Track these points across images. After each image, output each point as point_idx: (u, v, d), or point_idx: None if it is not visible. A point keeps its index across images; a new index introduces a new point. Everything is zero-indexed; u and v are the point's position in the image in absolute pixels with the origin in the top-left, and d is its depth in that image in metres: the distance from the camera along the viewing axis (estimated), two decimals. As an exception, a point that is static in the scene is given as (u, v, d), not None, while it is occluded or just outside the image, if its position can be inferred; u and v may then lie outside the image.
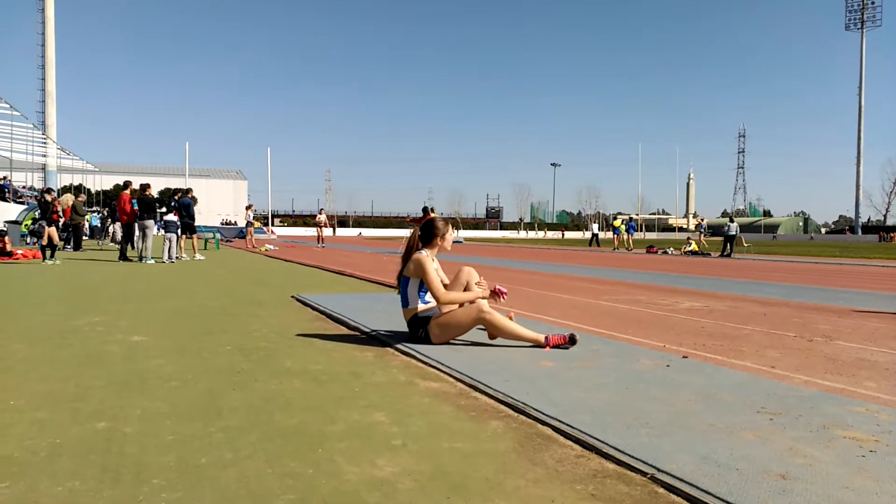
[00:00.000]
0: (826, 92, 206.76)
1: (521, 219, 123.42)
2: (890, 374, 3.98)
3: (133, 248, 17.45)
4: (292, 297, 7.93)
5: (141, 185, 16.05)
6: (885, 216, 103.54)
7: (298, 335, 5.20)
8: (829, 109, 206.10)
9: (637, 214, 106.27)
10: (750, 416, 2.97)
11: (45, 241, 14.47)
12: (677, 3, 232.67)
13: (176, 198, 17.87)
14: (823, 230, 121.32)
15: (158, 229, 17.24)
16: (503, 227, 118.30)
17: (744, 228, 34.63)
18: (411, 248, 4.90)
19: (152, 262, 15.08)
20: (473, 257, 19.96)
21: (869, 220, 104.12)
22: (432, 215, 5.42)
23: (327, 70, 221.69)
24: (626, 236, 33.65)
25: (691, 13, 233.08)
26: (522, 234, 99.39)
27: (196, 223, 18.53)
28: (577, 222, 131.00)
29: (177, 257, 16.15)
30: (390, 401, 3.24)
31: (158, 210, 16.86)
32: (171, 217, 16.22)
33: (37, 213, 24.19)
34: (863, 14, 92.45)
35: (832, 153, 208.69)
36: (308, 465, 2.35)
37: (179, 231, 16.58)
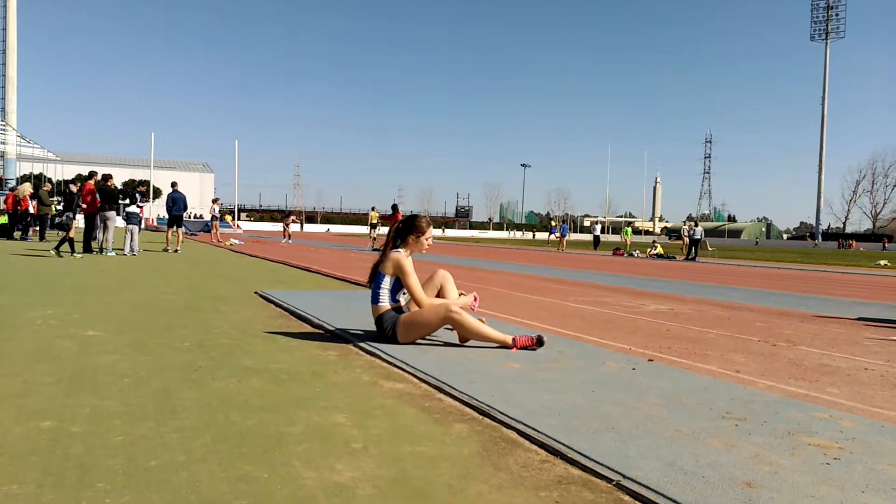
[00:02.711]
0: (791, 100, 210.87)
1: (490, 218, 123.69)
2: (852, 380, 4.01)
3: (95, 239, 17.08)
4: (256, 293, 7.77)
5: (103, 175, 15.68)
6: (844, 224, 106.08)
7: (260, 332, 5.08)
8: (794, 118, 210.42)
9: (604, 217, 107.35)
10: (715, 421, 2.95)
11: (72, 234, 14.06)
12: (647, 7, 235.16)
13: (141, 190, 17.57)
14: (785, 236, 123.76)
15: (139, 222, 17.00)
16: (472, 226, 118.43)
17: (708, 233, 35.33)
18: (390, 241, 4.80)
19: (113, 254, 14.74)
20: (443, 256, 19.90)
21: (829, 227, 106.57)
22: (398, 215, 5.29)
23: (298, 63, 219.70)
24: (559, 237, 35.33)
25: (659, 19, 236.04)
26: (512, 234, 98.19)
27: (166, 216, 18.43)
28: (546, 223, 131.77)
29: (139, 249, 15.81)
30: (352, 402, 3.15)
31: (121, 202, 16.58)
32: (134, 209, 15.86)
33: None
34: (827, 25, 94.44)
35: (795, 161, 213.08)
36: (263, 468, 2.25)
37: (167, 223, 16.60)
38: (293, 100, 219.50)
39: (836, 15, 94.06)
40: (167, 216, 18.44)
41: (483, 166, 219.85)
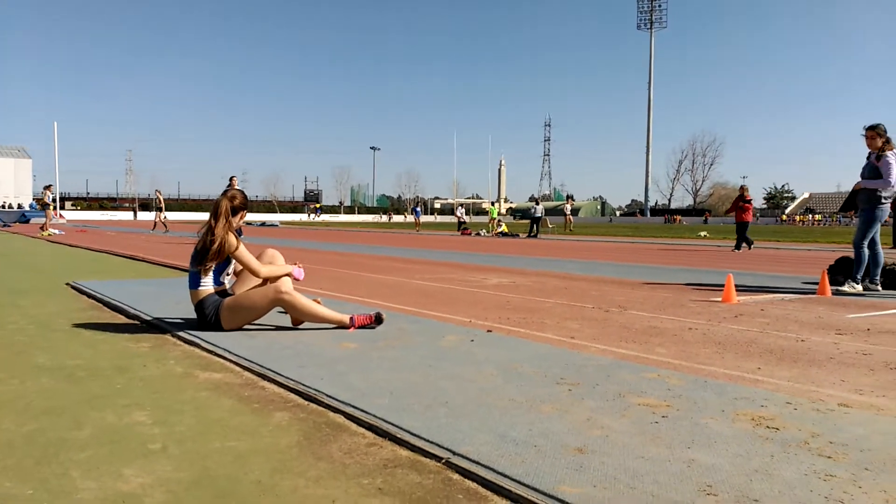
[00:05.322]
0: (621, 86, 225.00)
1: (341, 202, 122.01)
2: (678, 340, 4.16)
3: None
4: (67, 284, 6.96)
5: None
6: (669, 200, 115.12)
7: (65, 327, 4.49)
8: (624, 102, 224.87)
9: (454, 199, 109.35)
10: (550, 388, 2.89)
11: None
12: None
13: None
14: (618, 213, 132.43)
15: None
16: (323, 210, 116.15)
17: (549, 211, 37.12)
18: (217, 218, 4.30)
19: None
20: (286, 240, 19.21)
21: (657, 203, 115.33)
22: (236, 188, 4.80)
23: (129, 37, 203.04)
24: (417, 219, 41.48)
25: (501, 6, 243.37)
26: (380, 217, 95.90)
27: None
28: (398, 206, 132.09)
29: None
30: (158, 397, 2.78)
31: None
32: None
33: None
34: (651, 16, 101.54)
35: (626, 143, 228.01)
36: (30, 483, 1.87)
37: None
38: (124, 76, 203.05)
39: (659, 6, 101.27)
40: None
41: (332, 149, 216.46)
